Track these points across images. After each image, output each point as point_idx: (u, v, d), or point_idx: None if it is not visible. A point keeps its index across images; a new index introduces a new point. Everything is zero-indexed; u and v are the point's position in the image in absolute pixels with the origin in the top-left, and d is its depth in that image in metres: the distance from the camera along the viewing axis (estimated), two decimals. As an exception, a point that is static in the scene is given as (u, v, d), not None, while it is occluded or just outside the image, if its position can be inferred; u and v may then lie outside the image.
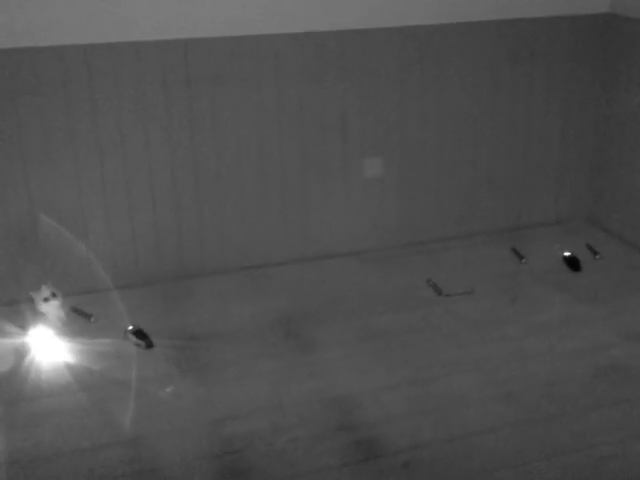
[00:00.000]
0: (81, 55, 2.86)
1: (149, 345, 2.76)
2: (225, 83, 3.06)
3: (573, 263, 3.31)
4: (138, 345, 2.76)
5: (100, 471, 2.16)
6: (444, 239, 3.59)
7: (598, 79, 3.55)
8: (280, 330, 2.87)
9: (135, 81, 2.95)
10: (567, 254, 3.36)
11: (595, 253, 3.42)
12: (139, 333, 2.79)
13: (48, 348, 2.75)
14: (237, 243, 3.32)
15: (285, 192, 3.31)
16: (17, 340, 2.78)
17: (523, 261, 3.37)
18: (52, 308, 2.85)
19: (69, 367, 2.64)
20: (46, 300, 2.84)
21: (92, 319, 2.93)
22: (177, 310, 3.03)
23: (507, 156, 3.57)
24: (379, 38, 3.20)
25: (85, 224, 3.08)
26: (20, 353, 2.71)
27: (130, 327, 2.82)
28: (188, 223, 3.22)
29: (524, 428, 2.30)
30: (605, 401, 2.42)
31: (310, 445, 2.25)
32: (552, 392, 2.47)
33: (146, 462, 2.19)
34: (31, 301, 2.89)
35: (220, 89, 3.07)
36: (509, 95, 3.46)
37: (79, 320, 2.94)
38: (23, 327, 2.83)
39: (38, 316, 2.88)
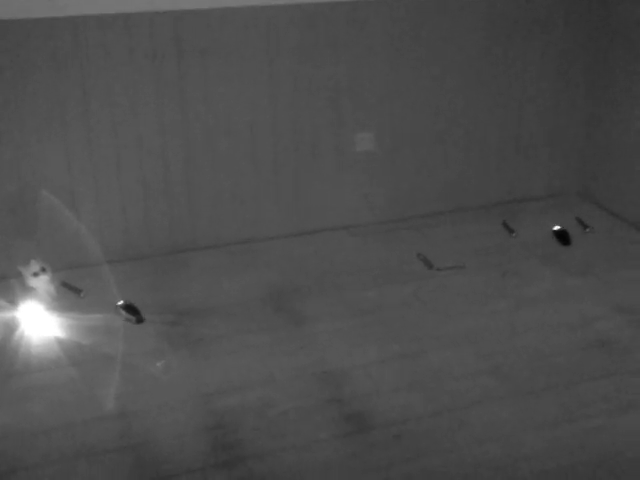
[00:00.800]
0: (70, 28, 2.82)
1: (139, 320, 2.76)
2: (215, 56, 3.03)
3: (563, 237, 3.32)
4: (128, 320, 2.76)
5: (91, 445, 2.16)
6: (435, 214, 3.59)
7: (591, 52, 3.53)
8: (271, 304, 2.87)
9: (125, 54, 2.92)
10: (557, 228, 3.37)
11: (585, 227, 3.42)
12: (129, 308, 2.79)
13: (38, 323, 2.74)
14: (228, 217, 3.30)
15: (276, 166, 3.29)
16: (7, 315, 2.77)
17: (513, 235, 3.38)
18: (41, 283, 2.84)
19: (59, 342, 2.64)
20: (35, 275, 2.83)
21: (82, 294, 2.92)
22: (168, 285, 3.02)
23: (498, 130, 3.56)
24: (371, 10, 3.17)
25: (74, 198, 3.06)
26: (10, 328, 2.70)
27: (120, 302, 2.81)
28: (179, 197, 3.20)
29: (513, 401, 2.32)
30: (594, 374, 2.44)
31: (301, 418, 2.26)
32: (541, 365, 2.49)
33: (137, 436, 2.20)
34: (20, 276, 2.87)
35: (210, 62, 3.04)
36: (501, 68, 3.44)
37: (69, 295, 2.94)
38: (13, 302, 2.83)
39: (28, 291, 2.87)
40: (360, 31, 3.18)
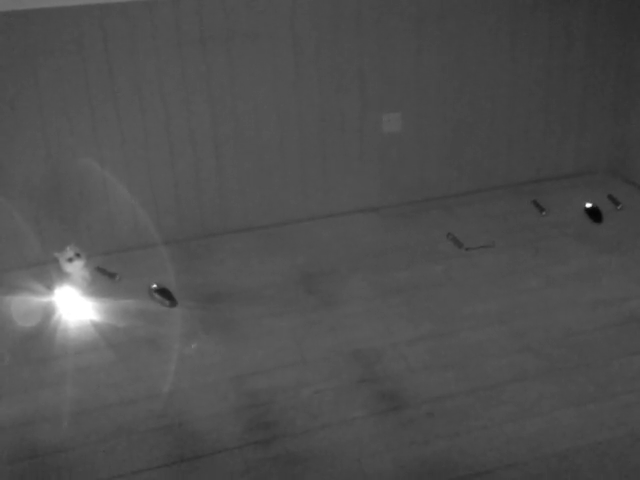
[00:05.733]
0: (96, 15, 2.84)
1: (173, 303, 2.79)
2: (240, 40, 3.04)
3: (595, 214, 3.29)
4: (162, 303, 2.79)
5: (128, 426, 2.20)
6: (464, 193, 3.57)
7: (619, 27, 3.48)
8: (301, 286, 2.89)
9: (150, 40, 2.94)
10: (588, 205, 3.34)
11: (617, 204, 3.39)
12: (163, 291, 2.83)
13: (74, 307, 2.80)
14: (257, 201, 3.32)
15: (303, 149, 3.30)
16: (44, 299, 2.82)
17: (544, 213, 3.35)
18: (76, 268, 2.89)
19: (95, 325, 2.69)
20: (70, 260, 2.87)
21: (117, 278, 2.97)
22: (199, 268, 3.06)
23: (527, 108, 3.53)
24: (396, -10, 3.15)
25: (106, 185, 3.10)
26: (47, 312, 2.76)
27: (154, 286, 2.85)
28: (208, 182, 3.23)
29: (546, 378, 2.32)
30: (628, 350, 2.42)
31: (334, 397, 2.28)
32: (574, 342, 2.48)
33: (173, 417, 2.24)
34: (56, 262, 2.92)
35: (235, 46, 3.04)
36: (528, 47, 3.40)
37: (103, 279, 2.98)
38: (49, 287, 2.88)
39: (63, 276, 2.91)
40: (386, 11, 3.16)
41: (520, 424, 2.14)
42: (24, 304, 2.80)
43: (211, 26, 2.98)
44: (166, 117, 3.07)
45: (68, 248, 2.89)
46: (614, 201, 3.41)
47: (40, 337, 2.63)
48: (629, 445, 2.04)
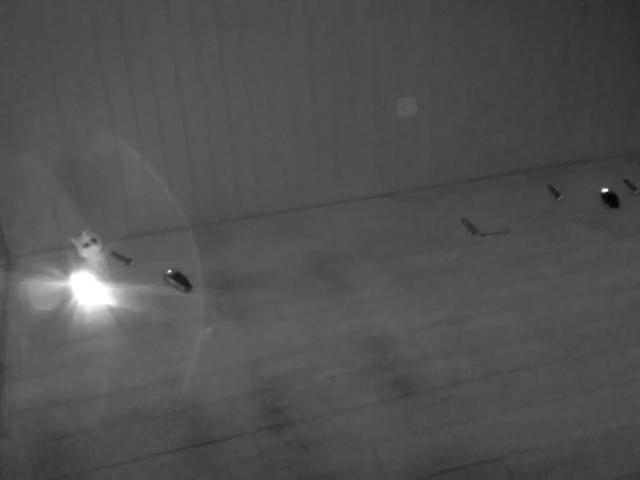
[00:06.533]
0: (110, 0, 2.84)
1: (188, 288, 2.81)
2: (253, 25, 3.02)
3: (611, 199, 3.26)
4: (177, 288, 2.81)
5: (144, 410, 2.23)
6: (479, 178, 3.55)
7: (636, 10, 3.43)
8: (316, 272, 2.89)
9: (164, 26, 2.93)
10: (605, 190, 3.31)
11: (634, 189, 3.36)
12: (178, 277, 2.84)
13: (90, 292, 2.82)
14: (271, 187, 3.32)
15: (318, 134, 3.29)
16: (61, 284, 2.85)
17: (560, 198, 3.33)
18: (92, 254, 2.91)
19: (111, 310, 2.71)
20: (86, 246, 2.89)
21: (132, 263, 2.98)
22: (214, 254, 3.07)
23: (542, 93, 3.49)
24: (411, -27, 3.12)
25: (122, 171, 3.11)
26: (64, 297, 2.78)
27: (169, 271, 2.87)
28: (223, 167, 3.23)
29: (561, 364, 2.31)
30: (643, 337, 2.42)
31: (348, 383, 2.29)
32: (590, 329, 2.47)
33: (189, 401, 2.26)
34: (72, 247, 2.94)
35: (249, 31, 3.03)
36: (544, 31, 3.36)
37: (119, 265, 3.00)
38: (66, 272, 2.90)
39: (80, 261, 2.94)
40: (401, -5, 3.14)
41: (534, 411, 2.14)
42: (41, 289, 2.83)
43: (225, 10, 2.97)
44: (180, 103, 3.08)
45: (84, 233, 2.91)
46: (631, 186, 3.38)
47: (57, 322, 2.66)
48: (643, 432, 2.04)
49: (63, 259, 2.99)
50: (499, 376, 2.28)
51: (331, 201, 3.41)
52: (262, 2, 3.00)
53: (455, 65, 3.33)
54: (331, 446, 2.06)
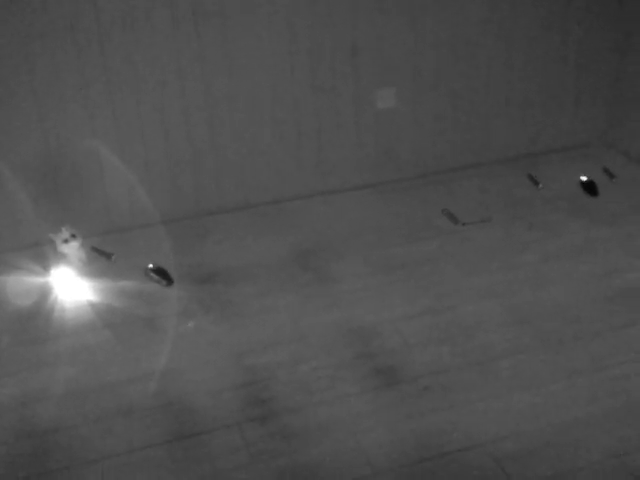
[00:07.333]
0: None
1: (169, 282, 2.80)
2: (234, 16, 3.01)
3: (590, 188, 3.29)
4: (158, 283, 2.80)
5: (128, 404, 2.22)
6: (459, 168, 3.57)
7: (617, 1, 3.46)
8: (298, 264, 2.90)
9: (143, 18, 2.91)
10: (584, 179, 3.34)
11: (612, 177, 3.39)
12: (159, 271, 2.83)
13: (71, 288, 2.80)
14: (252, 179, 3.32)
15: (298, 126, 3.29)
16: (40, 280, 2.83)
17: (539, 187, 3.35)
18: (72, 249, 2.89)
19: (92, 306, 2.70)
20: (66, 241, 2.88)
21: (113, 258, 2.97)
22: (196, 247, 3.06)
23: (522, 81, 3.51)
24: (388, -37, 3.12)
25: (101, 165, 3.09)
26: (44, 293, 2.76)
27: (150, 265, 2.86)
28: (203, 160, 3.22)
29: (541, 351, 2.34)
30: (621, 323, 2.44)
31: (332, 373, 2.30)
32: (569, 316, 2.50)
33: (172, 394, 2.25)
34: (52, 243, 2.92)
35: (229, 24, 3.01)
36: (524, 19, 3.38)
37: (100, 260, 2.99)
38: (45, 268, 2.88)
39: (59, 257, 2.92)
40: (379, -15, 3.14)
41: (515, 397, 2.16)
42: (21, 285, 2.81)
43: (205, 1, 2.96)
44: (160, 96, 3.06)
45: (64, 229, 2.89)
46: (609, 174, 3.41)
47: (37, 318, 2.64)
48: (622, 416, 2.07)
49: (43, 255, 2.97)
50: (480, 364, 2.29)
51: (312, 193, 3.41)
52: (240, -6, 2.99)
53: (435, 56, 3.33)
54: (315, 436, 2.06)
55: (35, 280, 2.83)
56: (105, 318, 2.62)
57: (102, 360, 2.42)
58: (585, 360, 2.28)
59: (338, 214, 3.26)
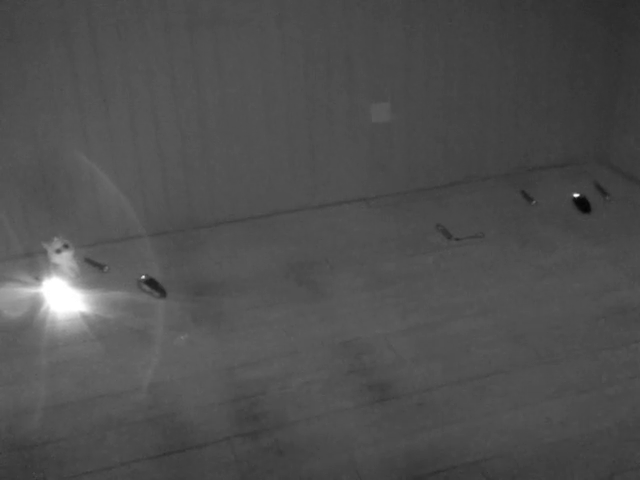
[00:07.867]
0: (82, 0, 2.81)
1: (162, 294, 2.79)
2: (227, 25, 3.01)
3: (583, 204, 3.30)
4: (151, 294, 2.79)
5: (118, 417, 2.20)
6: (453, 183, 3.58)
7: (608, 14, 3.47)
8: (291, 277, 2.89)
9: (136, 26, 2.91)
10: (577, 195, 3.35)
11: (605, 194, 3.40)
12: (152, 283, 2.82)
13: (63, 298, 2.79)
14: (245, 192, 3.32)
15: (291, 139, 3.29)
16: (32, 291, 2.81)
17: (533, 203, 3.36)
18: (65, 259, 2.87)
19: (84, 317, 2.68)
20: (58, 252, 2.86)
21: (105, 269, 2.96)
22: (188, 260, 3.05)
23: (515, 98, 3.53)
24: (384, -23, 3.14)
25: (93, 177, 3.08)
26: (35, 303, 2.75)
27: (143, 277, 2.84)
28: (196, 173, 3.21)
29: (534, 369, 2.33)
30: (614, 341, 2.44)
31: (324, 388, 2.29)
32: (561, 333, 2.50)
33: (164, 408, 2.24)
34: (44, 253, 2.91)
35: (222, 31, 3.01)
36: (517, 35, 3.40)
37: (92, 270, 2.97)
38: (37, 278, 2.87)
39: (52, 267, 2.90)
40: None
41: (508, 415, 2.15)
42: (12, 295, 2.79)
43: (198, 10, 2.96)
44: (153, 106, 3.06)
45: (56, 239, 2.88)
46: (602, 191, 3.42)
47: (29, 328, 2.62)
48: (616, 436, 2.06)
49: (35, 265, 2.95)
50: (473, 380, 2.29)
51: (306, 206, 3.41)
52: (236, 2, 2.98)
53: (429, 71, 3.35)
54: (307, 452, 2.05)
55: (26, 291, 2.81)
56: (97, 329, 2.61)
57: (93, 372, 2.40)
58: (578, 378, 2.28)
59: (331, 228, 3.26)
